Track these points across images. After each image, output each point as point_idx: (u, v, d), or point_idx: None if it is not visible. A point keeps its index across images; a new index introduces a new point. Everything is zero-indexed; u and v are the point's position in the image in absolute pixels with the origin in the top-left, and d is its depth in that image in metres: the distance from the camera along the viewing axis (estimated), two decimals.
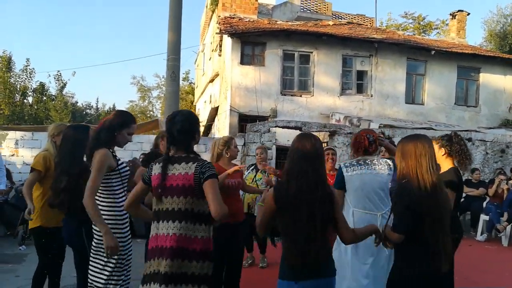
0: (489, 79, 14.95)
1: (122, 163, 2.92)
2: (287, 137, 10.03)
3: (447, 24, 22.79)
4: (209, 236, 2.33)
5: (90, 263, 2.81)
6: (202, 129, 18.14)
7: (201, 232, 2.28)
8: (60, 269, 3.59)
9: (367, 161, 3.42)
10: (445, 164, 3.24)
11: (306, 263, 2.17)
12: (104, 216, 2.71)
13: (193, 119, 2.47)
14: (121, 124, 2.85)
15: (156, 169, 2.34)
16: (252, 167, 5.59)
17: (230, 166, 3.78)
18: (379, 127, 10.56)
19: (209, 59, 18.20)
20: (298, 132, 9.55)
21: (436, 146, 3.07)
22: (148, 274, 2.28)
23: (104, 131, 2.80)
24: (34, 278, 3.53)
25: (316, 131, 9.90)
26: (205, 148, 10.15)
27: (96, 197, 2.75)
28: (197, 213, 2.28)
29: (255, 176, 5.38)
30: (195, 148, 2.49)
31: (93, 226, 2.78)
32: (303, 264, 2.17)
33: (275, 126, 9.86)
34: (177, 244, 2.22)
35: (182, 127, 2.35)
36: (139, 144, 9.12)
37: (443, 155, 3.23)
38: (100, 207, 2.74)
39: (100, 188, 2.75)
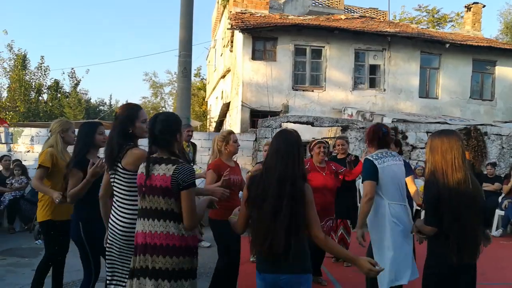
0: (505, 72, 14.66)
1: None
2: (298, 131, 10.00)
3: (462, 17, 22.40)
4: (185, 234, 2.34)
5: (113, 269, 2.75)
6: (214, 124, 18.20)
7: (176, 229, 2.32)
8: (64, 260, 3.69)
9: (390, 153, 3.44)
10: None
11: (267, 256, 2.22)
12: (126, 216, 2.64)
13: (175, 120, 2.49)
14: (129, 116, 2.79)
15: (141, 168, 2.41)
16: (261, 163, 5.47)
17: (231, 161, 3.76)
18: (392, 121, 10.45)
19: (221, 55, 18.21)
20: (310, 127, 9.52)
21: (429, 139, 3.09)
22: (137, 269, 2.34)
23: (116, 129, 2.75)
24: (39, 269, 3.59)
25: (328, 126, 9.85)
26: None
27: (121, 197, 2.69)
28: (174, 212, 2.32)
29: None
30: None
31: (117, 227, 2.66)
32: (265, 257, 2.24)
33: (287, 122, 9.83)
34: (164, 242, 2.29)
35: (163, 128, 2.38)
36: None
37: None
38: (124, 206, 2.67)
39: (125, 188, 2.67)
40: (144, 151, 2.66)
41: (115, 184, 2.71)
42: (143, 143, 2.60)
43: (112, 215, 2.69)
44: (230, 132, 3.83)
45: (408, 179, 4.21)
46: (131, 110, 2.82)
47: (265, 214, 2.21)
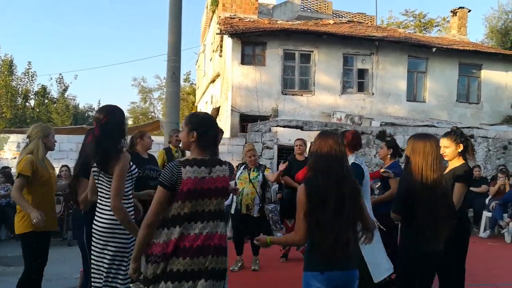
0: (491, 75, 14.90)
1: (133, 164, 2.89)
2: (288, 136, 10.03)
3: (448, 21, 22.73)
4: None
5: (93, 270, 2.78)
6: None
7: (223, 229, 2.41)
8: (42, 272, 3.50)
9: (359, 157, 3.85)
10: (458, 160, 3.37)
11: (336, 255, 2.26)
12: (109, 218, 2.69)
13: (215, 121, 2.63)
14: (122, 119, 2.81)
15: (195, 172, 2.28)
16: (243, 165, 5.41)
17: None
18: (381, 125, 10.54)
19: (210, 60, 18.21)
20: (299, 131, 9.56)
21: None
22: (188, 272, 2.25)
23: (113, 132, 2.71)
24: (21, 285, 3.36)
25: (317, 130, 9.88)
26: None
27: (105, 200, 2.72)
28: (223, 211, 2.43)
29: (249, 175, 5.25)
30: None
31: (97, 228, 2.74)
32: (334, 256, 2.26)
33: (276, 126, 9.86)
34: (220, 242, 2.35)
35: (215, 131, 2.46)
36: None
37: (460, 151, 3.34)
38: (105, 209, 2.71)
39: (108, 191, 2.71)
40: (127, 153, 2.75)
41: (99, 185, 2.77)
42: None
43: (97, 215, 2.74)
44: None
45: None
46: (120, 112, 2.84)
47: (329, 215, 2.26)
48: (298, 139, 5.90)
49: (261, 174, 5.25)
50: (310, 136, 10.81)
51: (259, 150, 9.46)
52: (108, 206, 2.69)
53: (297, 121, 9.95)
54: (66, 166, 7.79)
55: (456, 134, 3.35)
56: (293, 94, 13.10)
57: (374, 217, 3.48)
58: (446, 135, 3.38)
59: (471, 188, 8.48)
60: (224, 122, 13.61)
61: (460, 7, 17.53)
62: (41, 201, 3.35)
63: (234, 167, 4.83)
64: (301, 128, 9.60)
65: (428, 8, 59.45)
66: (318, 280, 2.27)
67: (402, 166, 3.67)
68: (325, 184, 2.29)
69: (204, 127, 2.36)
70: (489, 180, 8.73)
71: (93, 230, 2.74)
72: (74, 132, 11.39)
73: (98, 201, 2.77)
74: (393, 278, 3.82)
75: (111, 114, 2.78)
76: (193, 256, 2.25)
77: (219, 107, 14.88)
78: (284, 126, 9.86)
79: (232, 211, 5.32)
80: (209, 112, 15.97)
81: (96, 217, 2.73)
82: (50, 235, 3.27)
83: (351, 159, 3.62)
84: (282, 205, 6.07)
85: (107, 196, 2.71)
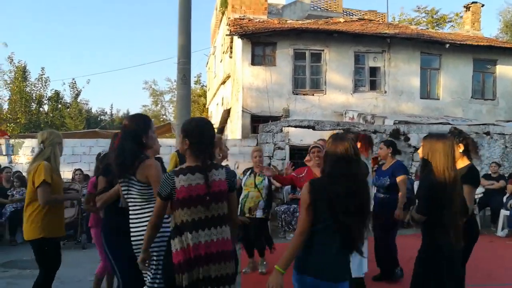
0: (506, 71, 14.59)
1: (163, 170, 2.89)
2: (300, 136, 9.96)
3: (461, 17, 22.37)
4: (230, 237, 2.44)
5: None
6: (215, 131, 18.17)
7: (228, 233, 2.41)
8: (54, 275, 3.55)
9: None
10: (462, 160, 3.36)
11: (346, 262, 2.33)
12: (142, 226, 2.65)
13: (211, 126, 2.63)
14: (143, 127, 2.79)
15: (184, 180, 2.33)
16: (249, 171, 5.34)
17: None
18: (394, 123, 10.39)
19: (220, 61, 18.23)
20: (311, 131, 9.47)
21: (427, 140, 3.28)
22: (194, 282, 2.30)
23: (130, 140, 2.69)
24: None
25: (329, 130, 9.79)
26: None
27: (136, 209, 2.70)
28: (226, 216, 2.41)
29: (254, 180, 5.19)
30: None
31: (137, 237, 2.68)
32: (343, 263, 2.31)
33: (288, 126, 9.79)
34: (223, 248, 2.36)
35: (212, 136, 2.48)
36: None
37: (461, 152, 3.35)
38: (140, 219, 2.68)
39: (142, 197, 2.68)
40: (156, 162, 2.71)
41: (129, 195, 2.71)
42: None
43: (133, 226, 2.71)
44: (220, 137, 3.80)
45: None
46: (144, 120, 2.86)
47: (351, 216, 2.22)
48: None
49: (266, 179, 5.20)
50: (322, 136, 10.73)
51: (271, 151, 9.41)
52: (143, 214, 2.66)
53: (308, 121, 9.86)
54: (80, 170, 7.85)
55: (454, 135, 3.35)
56: (304, 94, 13.02)
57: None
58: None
59: (487, 185, 8.34)
60: (235, 123, 13.60)
61: (473, 2, 17.23)
62: (51, 208, 3.39)
63: (237, 171, 4.77)
64: (313, 128, 9.52)
65: (440, 4, 58.71)
66: (317, 285, 2.23)
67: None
68: (344, 191, 2.22)
69: (197, 135, 2.40)
70: (507, 178, 8.52)
71: (132, 241, 2.69)
72: (86, 136, 11.50)
73: (131, 211, 2.71)
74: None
75: (134, 122, 2.80)
76: (203, 265, 2.31)
77: (230, 108, 14.88)
78: (295, 126, 9.79)
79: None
80: (220, 114, 16.02)
81: (133, 228, 2.69)
82: (59, 240, 3.39)
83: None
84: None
85: (142, 204, 2.68)
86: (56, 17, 57.40)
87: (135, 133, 2.71)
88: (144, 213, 2.68)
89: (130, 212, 2.71)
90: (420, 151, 3.00)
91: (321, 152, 4.56)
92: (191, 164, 2.38)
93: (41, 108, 22.97)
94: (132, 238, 2.68)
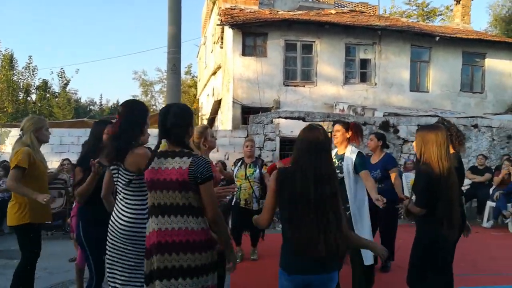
0: (495, 64, 14.74)
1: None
2: (290, 128, 9.97)
3: (451, 10, 22.48)
4: (205, 227, 2.28)
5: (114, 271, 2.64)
6: (205, 122, 18.12)
7: (196, 224, 2.24)
8: (35, 264, 3.53)
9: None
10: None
11: (316, 256, 2.12)
12: (129, 219, 2.55)
13: (187, 112, 2.39)
14: (144, 114, 2.69)
15: (153, 163, 2.31)
16: (240, 162, 5.34)
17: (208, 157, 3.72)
18: (384, 115, 10.46)
19: (211, 52, 18.10)
20: (301, 122, 9.49)
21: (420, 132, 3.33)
22: (155, 270, 2.23)
23: (131, 126, 2.59)
24: (18, 274, 3.39)
25: (319, 121, 9.82)
26: None
27: (123, 198, 2.61)
28: (192, 206, 2.24)
29: (245, 172, 5.21)
30: None
31: (118, 226, 2.58)
32: (312, 257, 2.13)
33: (278, 117, 9.79)
34: (184, 238, 2.20)
35: (177, 120, 2.29)
36: None
37: None
38: (127, 209, 2.57)
39: (130, 188, 2.59)
40: (146, 149, 2.59)
41: (118, 183, 2.64)
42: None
43: (114, 213, 2.61)
44: (206, 127, 3.69)
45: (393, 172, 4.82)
46: (143, 106, 2.77)
47: (307, 215, 2.13)
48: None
49: (257, 170, 5.20)
50: None
51: (261, 142, 9.42)
52: (129, 204, 2.58)
53: (299, 112, 9.87)
54: (68, 159, 7.78)
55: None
56: (295, 85, 13.01)
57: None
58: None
59: (473, 179, 8.48)
60: (226, 114, 13.55)
61: None
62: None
63: (228, 162, 4.78)
64: (303, 119, 9.54)
65: None
66: (289, 280, 2.20)
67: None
68: (302, 182, 2.15)
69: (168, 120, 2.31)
70: (493, 170, 8.66)
71: (109, 229, 2.60)
72: (75, 126, 11.37)
73: (117, 200, 2.65)
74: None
75: (134, 108, 2.70)
76: (157, 253, 2.22)
77: (221, 99, 14.82)
78: (286, 118, 9.79)
79: (233, 203, 5.33)
80: (211, 105, 15.95)
81: (115, 216, 2.60)
82: (41, 227, 3.41)
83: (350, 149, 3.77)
84: None
85: (129, 194, 2.59)
86: (44, 5, 56.38)
87: (137, 119, 2.63)
88: (129, 200, 2.59)
89: (117, 199, 2.64)
90: (414, 144, 3.05)
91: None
92: (166, 149, 2.34)
93: (28, 97, 22.58)
94: (119, 226, 2.57)
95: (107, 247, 2.62)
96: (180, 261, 2.17)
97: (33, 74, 22.39)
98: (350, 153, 3.72)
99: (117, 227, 2.55)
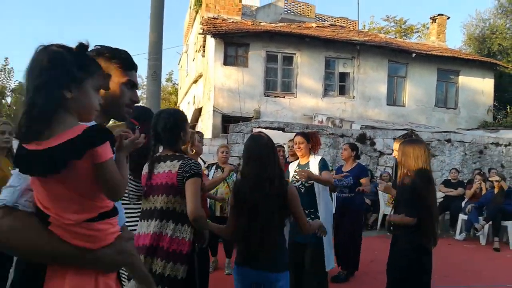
0: (468, 82, 15.25)
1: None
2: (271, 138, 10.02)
3: (427, 28, 23.19)
4: (187, 238, 2.22)
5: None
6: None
7: (178, 232, 2.21)
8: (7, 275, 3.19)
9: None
10: None
11: (247, 251, 2.34)
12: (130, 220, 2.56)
13: (180, 117, 2.40)
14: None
15: (145, 168, 2.34)
16: (213, 166, 5.29)
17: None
18: (361, 128, 10.65)
19: (193, 60, 18.10)
20: (281, 133, 9.57)
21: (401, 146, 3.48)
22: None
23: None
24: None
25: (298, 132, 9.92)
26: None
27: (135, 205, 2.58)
28: (179, 212, 2.22)
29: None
30: None
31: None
32: (245, 252, 2.35)
33: (258, 127, 9.83)
34: (151, 242, 2.18)
35: (167, 125, 2.31)
36: None
37: None
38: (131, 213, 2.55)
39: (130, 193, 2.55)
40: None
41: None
42: None
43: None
44: (193, 132, 3.66)
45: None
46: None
47: (245, 215, 2.34)
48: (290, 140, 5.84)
49: (234, 174, 5.20)
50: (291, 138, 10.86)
51: (241, 151, 9.43)
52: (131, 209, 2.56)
53: (278, 123, 9.96)
54: None
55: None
56: (275, 96, 13.13)
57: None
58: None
59: (447, 192, 8.71)
60: (206, 122, 13.54)
61: (439, 14, 17.90)
62: None
63: (204, 166, 4.79)
64: (283, 130, 9.62)
65: (408, 15, 60.66)
66: (236, 273, 2.43)
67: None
68: (243, 188, 2.36)
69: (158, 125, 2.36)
70: (465, 184, 8.91)
71: None
72: None
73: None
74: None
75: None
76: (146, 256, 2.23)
77: (201, 107, 14.80)
78: (266, 128, 9.84)
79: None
80: (192, 113, 15.90)
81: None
82: None
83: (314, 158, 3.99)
84: None
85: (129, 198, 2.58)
86: (22, 8, 55.28)
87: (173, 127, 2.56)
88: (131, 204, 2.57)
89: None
90: (396, 155, 3.25)
91: (283, 152, 5.35)
92: (159, 154, 2.38)
93: (3, 100, 22.04)
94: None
95: None
96: (160, 268, 2.15)
97: (9, 77, 21.90)
98: (314, 160, 3.95)
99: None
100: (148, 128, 2.35)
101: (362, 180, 5.03)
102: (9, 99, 22.94)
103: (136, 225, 2.50)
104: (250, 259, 2.32)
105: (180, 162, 2.22)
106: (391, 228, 3.10)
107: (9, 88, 22.54)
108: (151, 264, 2.15)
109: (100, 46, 1.45)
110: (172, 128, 2.31)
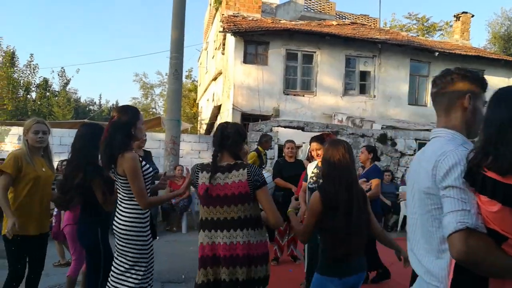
0: (493, 81, 14.75)
1: (145, 164, 2.80)
2: (289, 136, 9.97)
3: (451, 26, 22.72)
4: (263, 240, 2.39)
5: (113, 266, 2.72)
6: (204, 127, 18.17)
7: (258, 236, 2.35)
8: (21, 279, 3.18)
9: None
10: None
11: (349, 258, 2.40)
12: (126, 220, 2.65)
13: (243, 129, 2.60)
14: (132, 119, 2.73)
15: (204, 178, 2.37)
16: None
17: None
18: (382, 128, 10.55)
19: (212, 57, 18.20)
20: (300, 132, 9.57)
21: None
22: (205, 283, 2.32)
23: (119, 131, 2.65)
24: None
25: (318, 131, 9.90)
26: (207, 146, 10.17)
27: (119, 201, 2.72)
28: (254, 218, 2.35)
29: None
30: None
31: (116, 229, 2.67)
32: (349, 264, 2.41)
33: (277, 126, 9.86)
34: (243, 252, 2.27)
35: (235, 136, 2.44)
36: None
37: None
38: (123, 210, 2.68)
39: (124, 191, 2.68)
40: (134, 153, 2.67)
41: (118, 188, 2.75)
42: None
43: (115, 216, 2.71)
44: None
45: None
46: (133, 112, 2.81)
47: (341, 222, 2.38)
48: (289, 141, 5.89)
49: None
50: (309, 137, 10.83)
51: None
52: (125, 208, 2.68)
53: (298, 122, 9.95)
54: (66, 160, 7.76)
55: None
56: (294, 95, 13.11)
57: None
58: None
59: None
60: (225, 120, 13.60)
61: (463, 12, 17.52)
62: (23, 202, 3.08)
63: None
64: (302, 129, 9.61)
65: (431, 12, 59.51)
66: (336, 285, 2.41)
67: None
68: (336, 190, 2.43)
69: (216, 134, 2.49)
70: None
71: (114, 230, 2.71)
72: (75, 127, 11.39)
73: (117, 202, 2.75)
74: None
75: (123, 113, 2.73)
76: (206, 266, 2.33)
77: (220, 105, 14.89)
78: (285, 127, 9.86)
79: None
80: (211, 110, 16.00)
81: (116, 218, 2.69)
82: (37, 239, 3.11)
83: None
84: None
85: (124, 198, 2.69)
86: (48, 5, 56.49)
87: (125, 124, 2.68)
88: (126, 204, 2.68)
89: (118, 203, 2.74)
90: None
91: (294, 149, 5.66)
92: (219, 163, 2.42)
93: (28, 95, 22.61)
94: (117, 233, 2.67)
95: (116, 249, 2.72)
96: (236, 274, 2.26)
97: (33, 72, 22.45)
98: None
99: (117, 228, 2.67)
100: (116, 124, 2.67)
101: (372, 181, 4.91)
102: (34, 95, 23.53)
103: (139, 221, 2.67)
104: (354, 265, 2.43)
105: (246, 170, 2.33)
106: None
107: (34, 84, 23.10)
108: (249, 273, 2.28)
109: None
110: (239, 140, 2.47)
